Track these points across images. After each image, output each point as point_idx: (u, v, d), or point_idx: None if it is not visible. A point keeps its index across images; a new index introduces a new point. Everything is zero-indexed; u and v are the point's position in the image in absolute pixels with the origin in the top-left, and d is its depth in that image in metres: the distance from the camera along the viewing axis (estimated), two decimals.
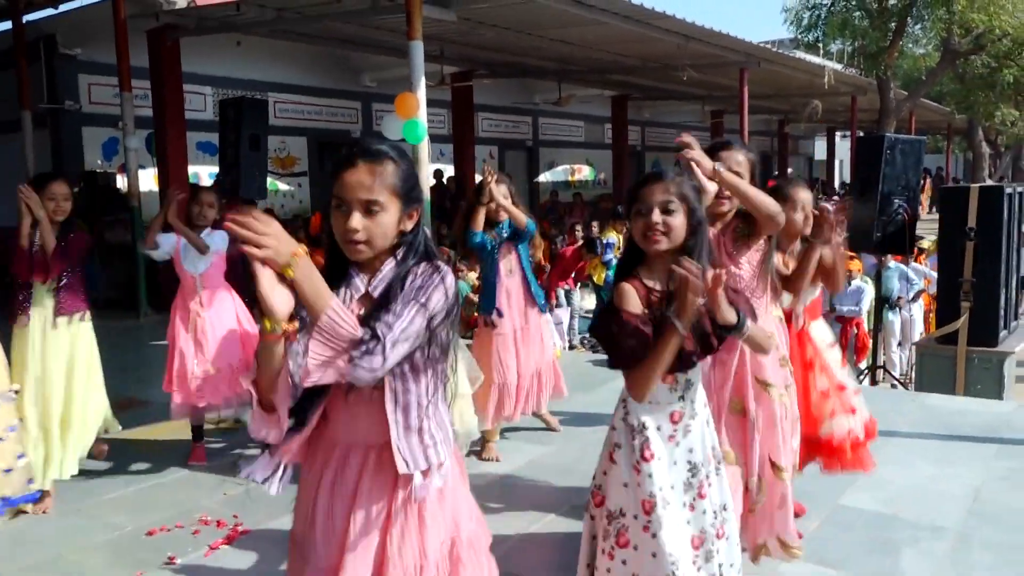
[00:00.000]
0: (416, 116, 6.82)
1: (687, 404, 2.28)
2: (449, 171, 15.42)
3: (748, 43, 10.49)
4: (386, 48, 12.35)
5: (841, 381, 3.63)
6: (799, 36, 15.14)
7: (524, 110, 18.56)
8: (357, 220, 1.68)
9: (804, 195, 3.32)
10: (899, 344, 8.76)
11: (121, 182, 11.43)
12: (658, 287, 2.20)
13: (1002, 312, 6.61)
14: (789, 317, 3.46)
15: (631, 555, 2.22)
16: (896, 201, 7.09)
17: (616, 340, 2.16)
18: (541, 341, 4.77)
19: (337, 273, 1.77)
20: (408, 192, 1.75)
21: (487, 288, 4.66)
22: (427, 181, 7.22)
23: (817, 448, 3.56)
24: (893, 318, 8.42)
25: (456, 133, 14.65)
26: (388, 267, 1.75)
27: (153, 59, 9.69)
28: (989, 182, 21.18)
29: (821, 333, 3.71)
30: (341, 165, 1.71)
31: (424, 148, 7.03)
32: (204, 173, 12.20)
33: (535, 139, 19.60)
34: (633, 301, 2.17)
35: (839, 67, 14.94)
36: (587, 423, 5.08)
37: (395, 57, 12.68)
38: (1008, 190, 6.53)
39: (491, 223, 4.55)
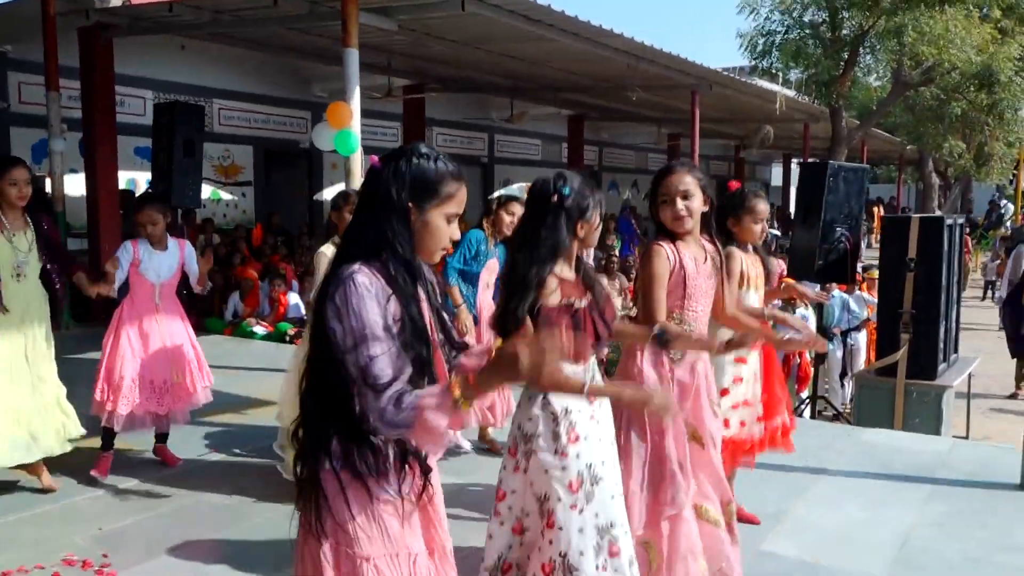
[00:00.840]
0: (349, 126, 6.54)
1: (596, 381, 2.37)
2: None
3: (699, 66, 10.41)
4: (334, 58, 12.03)
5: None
6: (755, 62, 15.18)
7: (480, 126, 18.38)
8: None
9: (762, 207, 3.56)
10: (842, 375, 8.66)
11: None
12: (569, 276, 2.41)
13: (941, 345, 6.51)
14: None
15: (557, 535, 2.30)
16: (839, 229, 6.98)
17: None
18: None
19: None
20: None
21: None
22: (358, 188, 6.92)
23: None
24: (834, 348, 8.31)
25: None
26: None
27: (84, 58, 9.28)
28: (938, 213, 21.51)
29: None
30: None
31: (357, 160, 6.76)
32: (142, 179, 11.76)
33: (491, 156, 19.42)
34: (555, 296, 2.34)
35: (792, 94, 14.97)
36: None
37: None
38: (948, 221, 6.44)
39: None
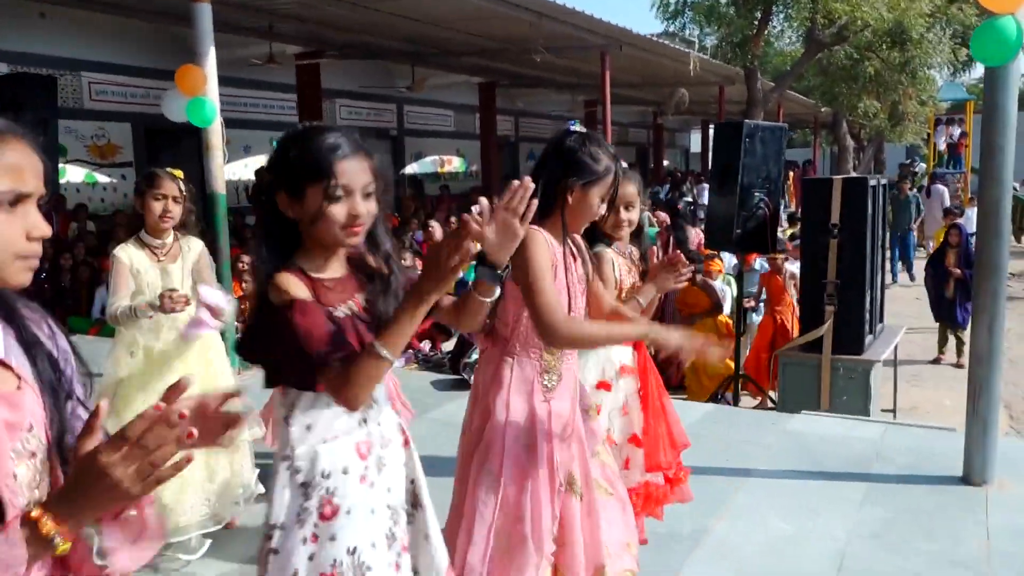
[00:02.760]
0: (202, 93, 5.66)
1: (373, 428, 1.67)
2: None
3: (608, 24, 9.73)
4: (219, 23, 10.97)
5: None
6: (666, 23, 14.64)
7: (387, 96, 17.38)
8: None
9: (630, 189, 2.81)
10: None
11: None
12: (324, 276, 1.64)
13: (867, 316, 6.04)
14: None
15: None
16: (757, 194, 6.45)
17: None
18: None
19: None
20: None
21: None
22: (221, 172, 6.05)
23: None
24: (758, 319, 7.84)
25: (303, 120, 13.33)
26: None
27: None
28: (853, 175, 21.53)
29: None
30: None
31: (216, 132, 5.90)
32: None
33: (400, 128, 18.47)
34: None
35: (705, 56, 14.49)
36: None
37: (238, 35, 11.39)
38: (872, 182, 5.93)
39: None
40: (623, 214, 2.78)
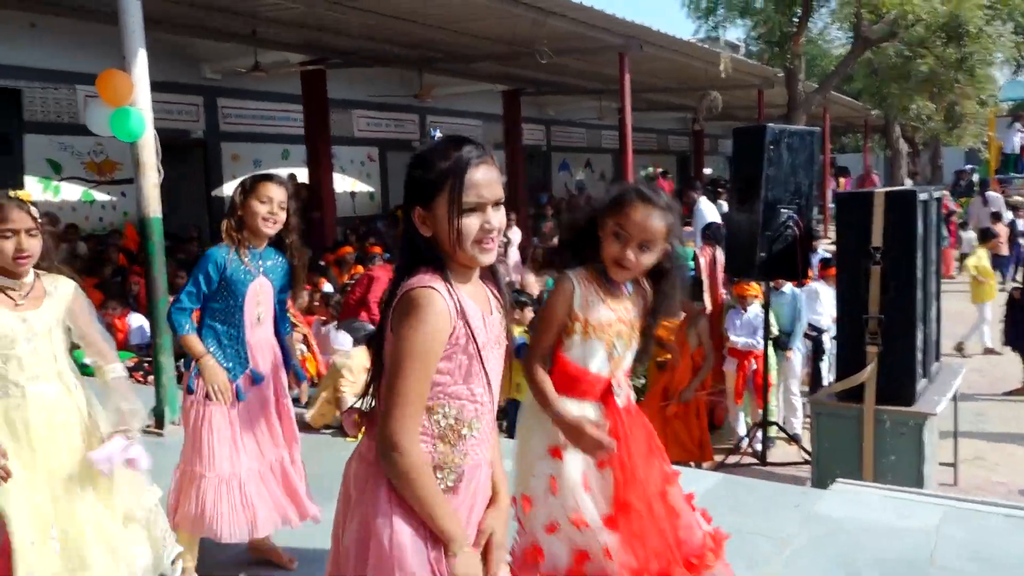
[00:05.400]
0: (129, 103, 4.89)
1: None
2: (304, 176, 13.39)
3: (623, 21, 8.78)
4: (226, 34, 10.38)
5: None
6: (698, 22, 13.64)
7: (410, 107, 16.63)
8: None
9: (646, 223, 2.28)
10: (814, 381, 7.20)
11: None
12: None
13: (920, 356, 4.99)
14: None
15: None
16: (784, 211, 5.48)
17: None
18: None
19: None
20: None
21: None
22: (155, 192, 5.26)
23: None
24: (791, 356, 6.77)
25: (308, 131, 12.68)
26: None
27: None
28: (908, 182, 20.11)
29: None
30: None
31: (148, 147, 5.12)
32: None
33: (423, 139, 17.72)
34: None
35: (738, 56, 13.46)
36: None
37: (239, 43, 10.77)
38: (922, 196, 4.87)
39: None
40: (629, 252, 2.27)
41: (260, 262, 3.18)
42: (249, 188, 3.14)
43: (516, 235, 11.93)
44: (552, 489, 2.31)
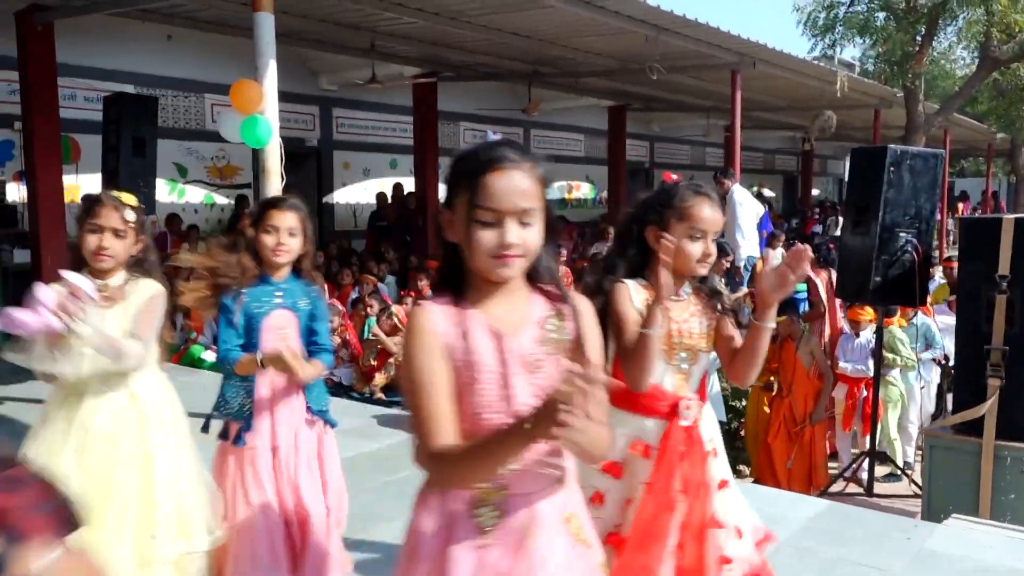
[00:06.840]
0: (259, 111, 5.17)
1: None
2: (410, 185, 13.75)
3: (737, 38, 8.67)
4: (342, 46, 10.81)
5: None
6: (814, 40, 13.29)
7: (516, 120, 16.84)
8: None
9: (707, 213, 2.27)
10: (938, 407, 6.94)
11: (17, 192, 10.00)
12: None
13: None
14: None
15: None
16: (903, 235, 5.31)
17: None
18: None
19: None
20: None
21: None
22: (274, 191, 5.52)
23: None
24: (913, 383, 6.52)
25: (416, 142, 13.02)
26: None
27: (21, 46, 8.19)
28: None
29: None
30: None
31: (273, 154, 5.39)
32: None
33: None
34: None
35: (854, 75, 13.06)
36: None
37: (354, 56, 11.18)
38: None
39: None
40: (688, 244, 2.23)
41: (280, 292, 2.87)
42: (257, 218, 2.85)
43: None
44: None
